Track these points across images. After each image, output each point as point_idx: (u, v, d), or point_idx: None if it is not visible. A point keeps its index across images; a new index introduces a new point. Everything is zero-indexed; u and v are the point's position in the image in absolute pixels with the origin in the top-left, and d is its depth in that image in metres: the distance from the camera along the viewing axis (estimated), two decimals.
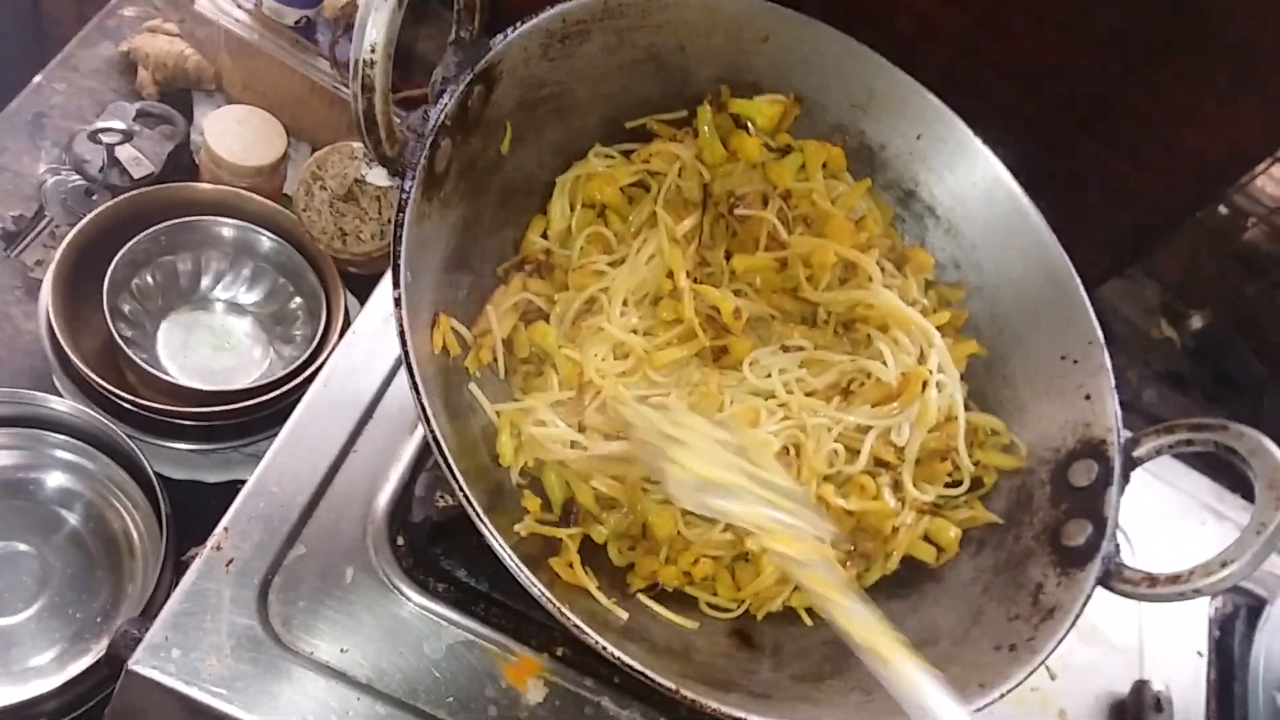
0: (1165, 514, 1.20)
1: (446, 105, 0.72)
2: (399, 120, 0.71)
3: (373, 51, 0.63)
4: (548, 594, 0.64)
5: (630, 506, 0.82)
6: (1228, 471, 1.20)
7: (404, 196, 0.70)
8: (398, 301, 0.67)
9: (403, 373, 0.67)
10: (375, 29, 0.62)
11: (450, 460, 0.65)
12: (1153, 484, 1.21)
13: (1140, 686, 1.03)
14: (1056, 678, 1.02)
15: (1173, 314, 1.48)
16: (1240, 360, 1.48)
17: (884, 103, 0.96)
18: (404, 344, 0.67)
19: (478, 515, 0.66)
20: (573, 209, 0.89)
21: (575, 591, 0.78)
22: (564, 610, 0.64)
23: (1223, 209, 1.41)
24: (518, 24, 0.78)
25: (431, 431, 0.66)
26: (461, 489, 0.65)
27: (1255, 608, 1.17)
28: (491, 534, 0.66)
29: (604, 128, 0.92)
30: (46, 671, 1.00)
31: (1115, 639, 1.10)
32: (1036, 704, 1.01)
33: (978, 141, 0.95)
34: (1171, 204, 1.17)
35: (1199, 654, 1.13)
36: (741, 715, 0.63)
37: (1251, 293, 1.48)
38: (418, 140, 0.71)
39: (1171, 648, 1.12)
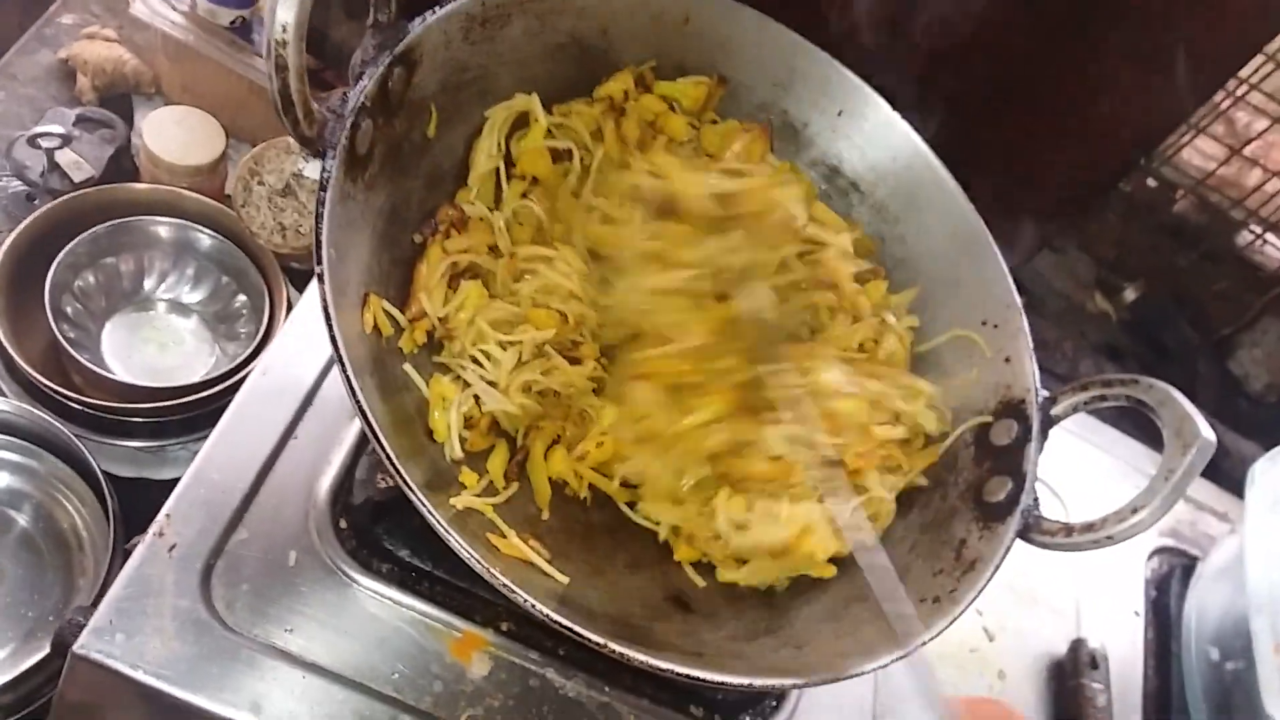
0: (1102, 479, 1.23)
1: (366, 86, 0.73)
2: (319, 104, 0.73)
3: (284, 31, 0.64)
4: (473, 553, 0.65)
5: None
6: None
7: (325, 175, 0.71)
8: (320, 277, 0.68)
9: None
10: (286, 9, 0.63)
11: (379, 434, 0.67)
12: (1089, 451, 1.25)
13: (1077, 645, 1.06)
14: (994, 639, 1.05)
15: (1107, 287, 1.51)
16: (1174, 330, 1.51)
17: (805, 80, 0.98)
18: (328, 319, 0.68)
19: (409, 488, 0.67)
20: (500, 151, 0.90)
21: (516, 563, 0.80)
22: (492, 570, 0.65)
23: (1151, 182, 1.45)
24: (436, 7, 0.79)
25: (358, 405, 0.67)
26: (391, 462, 0.66)
27: (1189, 567, 1.20)
28: (422, 503, 0.67)
29: None
30: (2, 670, 1.01)
31: (1053, 602, 1.13)
32: (975, 665, 1.04)
33: (896, 115, 0.97)
34: (1094, 175, 1.20)
35: (1136, 614, 1.16)
36: (668, 667, 0.65)
37: (1183, 263, 1.52)
38: (337, 120, 0.72)
39: (1109, 609, 1.15)
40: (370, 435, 0.67)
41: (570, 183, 0.92)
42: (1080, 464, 1.20)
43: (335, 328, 0.67)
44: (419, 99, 0.83)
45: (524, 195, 0.91)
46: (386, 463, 0.66)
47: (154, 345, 1.24)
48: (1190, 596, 1.15)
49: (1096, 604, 1.12)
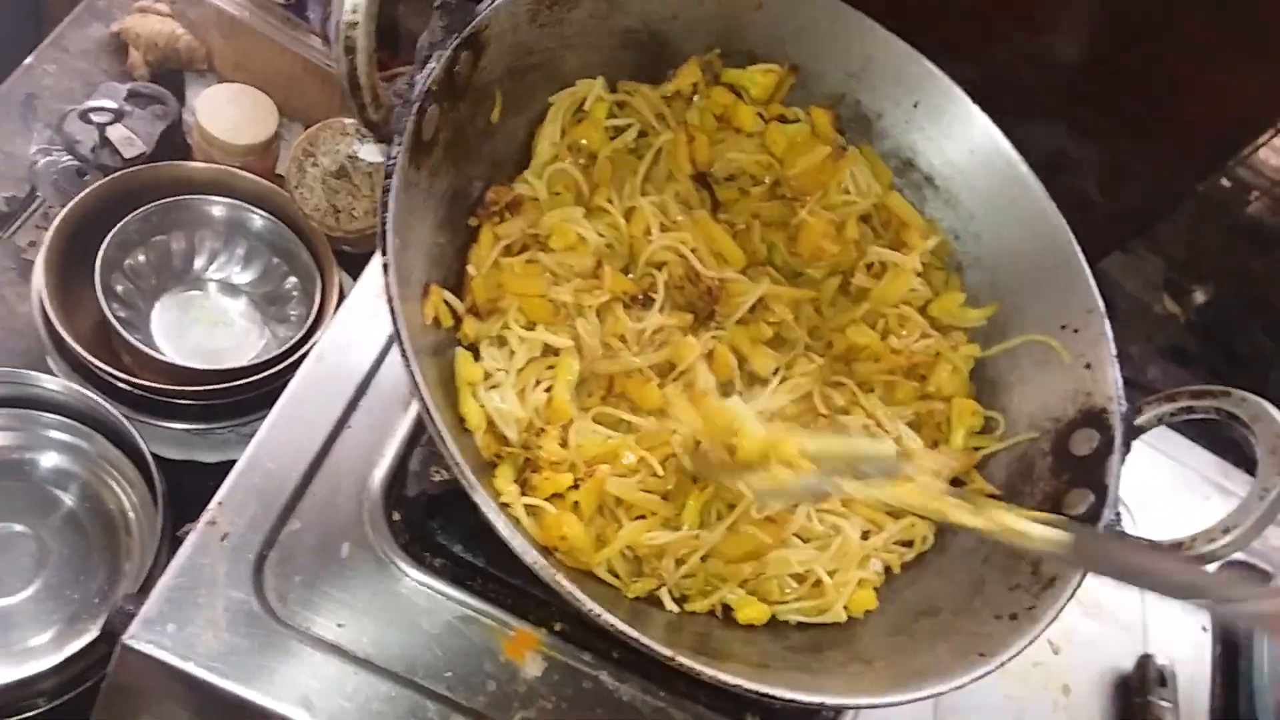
0: (1169, 489, 1.19)
1: (433, 70, 0.71)
2: (385, 87, 0.70)
3: (354, 12, 0.62)
4: (538, 557, 0.63)
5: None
6: (1232, 446, 1.20)
7: (391, 163, 0.69)
8: (386, 268, 0.66)
9: (396, 348, 0.66)
10: None
11: (441, 429, 0.65)
12: (1157, 459, 1.21)
13: (1144, 661, 1.02)
14: (1060, 652, 1.02)
15: (1176, 289, 1.46)
16: (1245, 335, 1.46)
17: (880, 71, 0.95)
18: (393, 312, 0.66)
19: (469, 484, 0.65)
20: (563, 138, 0.88)
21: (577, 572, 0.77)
22: (557, 577, 0.63)
23: (1225, 182, 1.39)
24: None
25: (423, 400, 0.65)
26: (452, 457, 0.64)
27: (1261, 582, 1.16)
28: (485, 503, 0.65)
29: None
30: (44, 652, 1.00)
31: (1120, 615, 1.09)
32: (1039, 679, 1.01)
33: (975, 109, 0.93)
34: (1175, 177, 1.15)
35: (1204, 630, 1.12)
36: (737, 682, 0.63)
37: (1258, 267, 1.46)
38: (404, 106, 0.70)
39: (1177, 624, 1.12)
40: (433, 432, 0.65)
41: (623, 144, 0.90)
42: (1148, 472, 1.16)
43: (401, 322, 0.65)
44: (484, 83, 0.80)
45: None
46: (452, 463, 0.64)
47: (204, 326, 1.23)
48: None
49: (1164, 619, 1.09)
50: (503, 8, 0.77)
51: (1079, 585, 0.73)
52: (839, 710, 0.86)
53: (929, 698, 0.66)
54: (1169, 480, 1.20)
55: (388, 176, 0.68)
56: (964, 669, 0.68)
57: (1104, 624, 1.05)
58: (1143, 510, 1.09)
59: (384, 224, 0.67)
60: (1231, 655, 1.10)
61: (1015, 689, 0.98)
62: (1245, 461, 1.22)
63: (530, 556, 0.63)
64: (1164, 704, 0.99)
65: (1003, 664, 0.69)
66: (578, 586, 0.64)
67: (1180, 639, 1.09)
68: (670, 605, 0.78)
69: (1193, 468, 1.20)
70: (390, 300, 0.66)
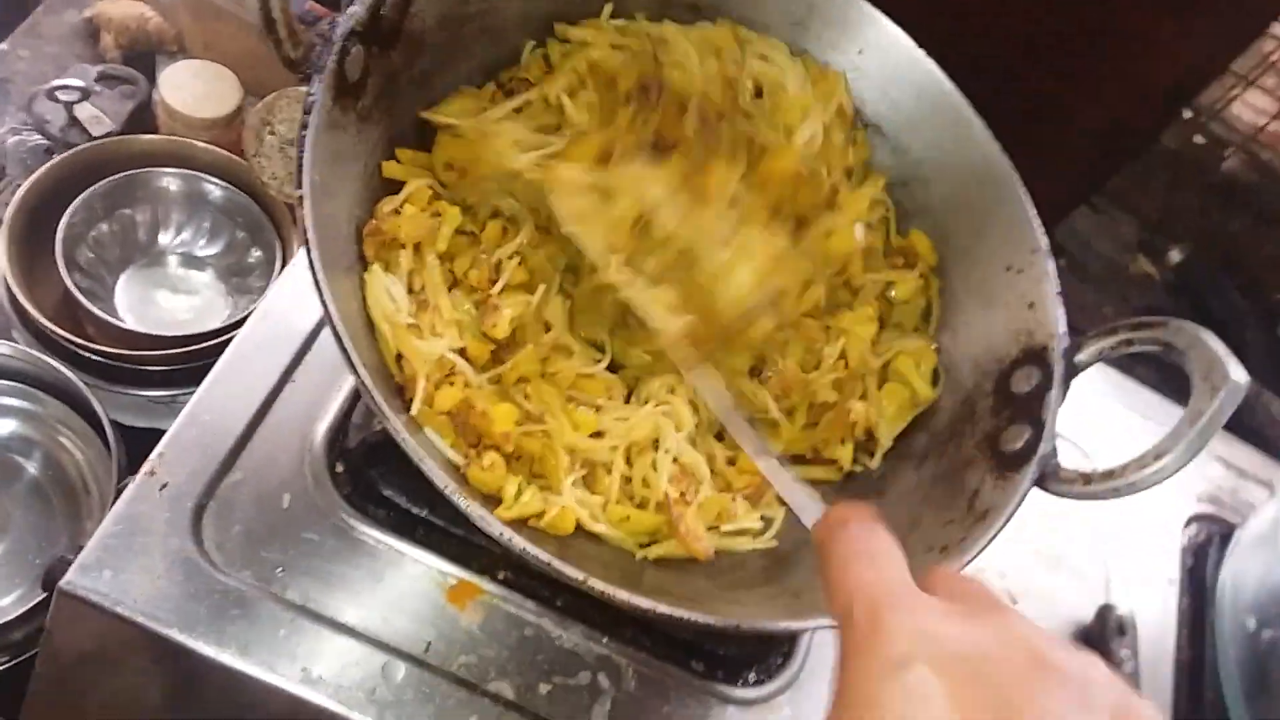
0: (1130, 438, 1.17)
1: (356, 10, 0.71)
2: (306, 30, 0.70)
3: None
4: (458, 491, 0.63)
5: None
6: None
7: (311, 98, 0.69)
8: (301, 201, 0.66)
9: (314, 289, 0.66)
10: None
11: (358, 367, 0.64)
12: (1118, 410, 1.19)
13: (1104, 611, 1.01)
14: (1018, 603, 1.01)
15: (1151, 249, 1.45)
16: (1221, 295, 1.45)
17: (824, 18, 0.94)
18: (309, 243, 0.65)
19: (384, 415, 0.64)
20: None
21: None
22: (470, 504, 0.62)
23: (1199, 138, 1.38)
24: None
25: (337, 336, 0.64)
26: (368, 389, 0.64)
27: (1228, 535, 1.15)
28: (397, 431, 0.65)
29: None
30: (7, 612, 1.00)
31: (1082, 569, 1.08)
32: None
33: (919, 52, 0.92)
34: (1128, 127, 1.14)
35: (1170, 583, 1.11)
36: (651, 606, 0.62)
37: (1233, 226, 1.45)
38: (325, 44, 0.70)
39: (1142, 578, 1.10)
40: (355, 376, 0.64)
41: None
42: (1109, 423, 1.15)
43: (315, 253, 0.65)
44: (416, 30, 0.80)
45: None
46: (372, 403, 0.64)
47: (168, 298, 1.24)
48: (1227, 564, 1.09)
49: (1129, 572, 1.08)
50: None
51: (1009, 518, 0.72)
52: (787, 653, 0.86)
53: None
54: (1132, 429, 1.18)
55: (306, 112, 0.68)
56: None
57: (1065, 576, 1.04)
58: (1104, 459, 1.07)
59: (300, 159, 0.67)
60: (1199, 607, 1.09)
61: None
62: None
63: (442, 481, 0.63)
64: (1124, 653, 0.97)
65: None
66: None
67: (1145, 592, 1.08)
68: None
69: (1153, 419, 1.18)
70: (305, 233, 0.66)
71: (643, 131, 0.80)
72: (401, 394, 0.73)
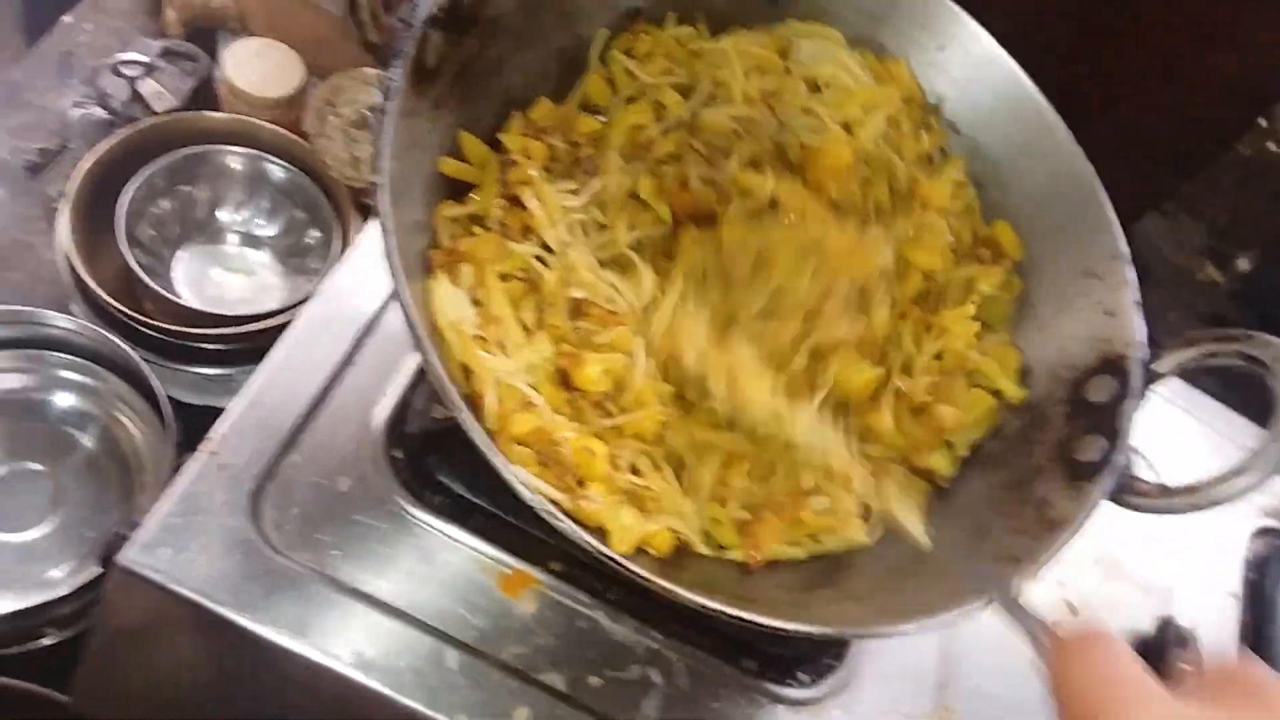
0: (1203, 456, 1.15)
1: None
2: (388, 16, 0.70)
3: None
4: (528, 483, 0.62)
5: None
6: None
7: (390, 84, 0.68)
8: (380, 187, 0.65)
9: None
10: None
11: (431, 356, 0.64)
12: (1192, 425, 1.17)
13: (1165, 623, 0.99)
14: (1079, 614, 0.99)
15: (1218, 256, 1.41)
16: None
17: (905, 13, 0.92)
18: (385, 230, 0.65)
19: (464, 418, 0.64)
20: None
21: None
22: (548, 505, 0.62)
23: (1272, 146, 1.35)
24: None
25: (411, 325, 0.64)
26: (440, 381, 0.63)
27: None
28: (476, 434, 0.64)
29: None
30: (59, 585, 1.01)
31: (1145, 581, 1.06)
32: None
33: (1001, 51, 0.91)
34: (1206, 132, 1.11)
35: (1233, 597, 1.09)
36: (717, 607, 0.61)
37: None
38: (406, 29, 0.69)
39: (1204, 591, 1.08)
40: (425, 361, 0.63)
41: None
42: (1181, 438, 1.12)
43: (392, 240, 0.64)
44: (494, 15, 0.79)
45: None
46: (435, 381, 0.63)
47: (226, 277, 1.24)
48: None
49: (1191, 585, 1.05)
50: None
51: (1079, 529, 0.71)
52: (839, 655, 0.85)
53: (918, 631, 0.64)
54: (1206, 446, 1.16)
55: (387, 97, 0.68)
56: (960, 606, 0.66)
57: (1125, 586, 1.02)
58: (1174, 476, 1.05)
59: (379, 144, 0.67)
60: (1260, 622, 1.06)
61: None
62: None
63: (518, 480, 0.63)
64: (1183, 666, 0.95)
65: (989, 601, 0.67)
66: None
67: (1207, 605, 1.06)
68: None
69: (1227, 435, 1.16)
70: (382, 218, 0.65)
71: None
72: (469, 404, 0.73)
